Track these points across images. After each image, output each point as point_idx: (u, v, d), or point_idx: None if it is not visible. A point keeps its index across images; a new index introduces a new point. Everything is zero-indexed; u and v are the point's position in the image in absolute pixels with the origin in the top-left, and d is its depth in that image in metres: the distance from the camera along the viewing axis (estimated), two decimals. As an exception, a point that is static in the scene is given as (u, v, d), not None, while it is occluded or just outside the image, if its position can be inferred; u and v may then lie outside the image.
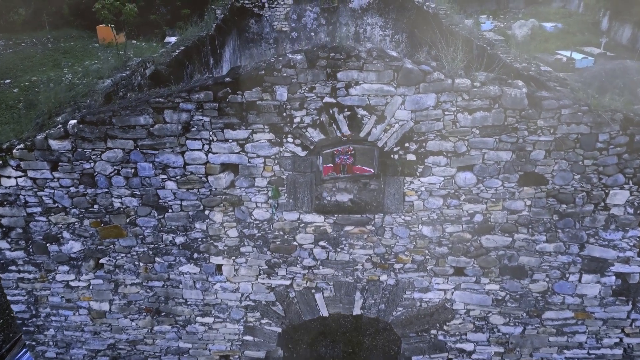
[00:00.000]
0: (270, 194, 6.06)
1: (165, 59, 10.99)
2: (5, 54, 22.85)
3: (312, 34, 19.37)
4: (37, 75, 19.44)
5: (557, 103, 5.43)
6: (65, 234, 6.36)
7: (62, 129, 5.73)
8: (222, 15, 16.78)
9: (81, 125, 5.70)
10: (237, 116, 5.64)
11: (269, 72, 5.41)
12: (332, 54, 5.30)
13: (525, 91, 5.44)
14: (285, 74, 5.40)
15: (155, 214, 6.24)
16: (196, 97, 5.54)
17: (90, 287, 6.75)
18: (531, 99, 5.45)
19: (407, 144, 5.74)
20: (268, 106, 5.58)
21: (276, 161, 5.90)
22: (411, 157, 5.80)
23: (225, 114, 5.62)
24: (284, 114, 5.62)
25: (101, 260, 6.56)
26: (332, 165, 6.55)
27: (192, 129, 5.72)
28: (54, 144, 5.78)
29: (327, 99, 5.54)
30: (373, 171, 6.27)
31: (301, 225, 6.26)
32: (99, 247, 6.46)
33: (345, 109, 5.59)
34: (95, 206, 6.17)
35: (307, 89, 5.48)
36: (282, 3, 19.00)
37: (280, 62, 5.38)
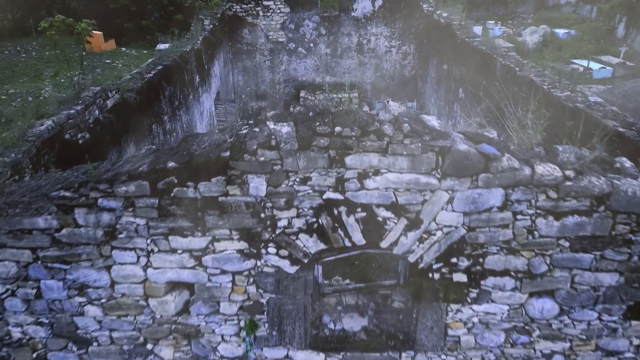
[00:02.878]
0: (242, 324, 4.02)
1: (135, 84, 8.89)
2: (-15, 63, 20.99)
3: (311, 44, 17.65)
4: (16, 88, 17.68)
5: (698, 203, 3.40)
6: (-53, 371, 4.33)
7: None
8: (211, 26, 14.87)
9: (-52, 229, 3.67)
10: (188, 217, 3.60)
11: (238, 155, 3.37)
12: (337, 128, 3.25)
13: (645, 183, 3.41)
14: (262, 159, 3.36)
15: (74, 348, 4.20)
16: (123, 190, 3.50)
17: None
18: (656, 195, 3.42)
19: (454, 260, 3.70)
20: (237, 204, 3.54)
21: (251, 279, 3.86)
22: (460, 277, 3.76)
23: (170, 214, 3.59)
24: (262, 215, 3.59)
25: (2, 405, 4.53)
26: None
27: (120, 235, 3.69)
28: None
29: (330, 195, 3.50)
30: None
31: (291, 365, 4.23)
32: (-4, 389, 4.43)
33: (359, 209, 3.55)
34: (-15, 337, 4.15)
35: (298, 179, 3.45)
36: (279, 12, 17.26)
37: (254, 138, 3.33)
